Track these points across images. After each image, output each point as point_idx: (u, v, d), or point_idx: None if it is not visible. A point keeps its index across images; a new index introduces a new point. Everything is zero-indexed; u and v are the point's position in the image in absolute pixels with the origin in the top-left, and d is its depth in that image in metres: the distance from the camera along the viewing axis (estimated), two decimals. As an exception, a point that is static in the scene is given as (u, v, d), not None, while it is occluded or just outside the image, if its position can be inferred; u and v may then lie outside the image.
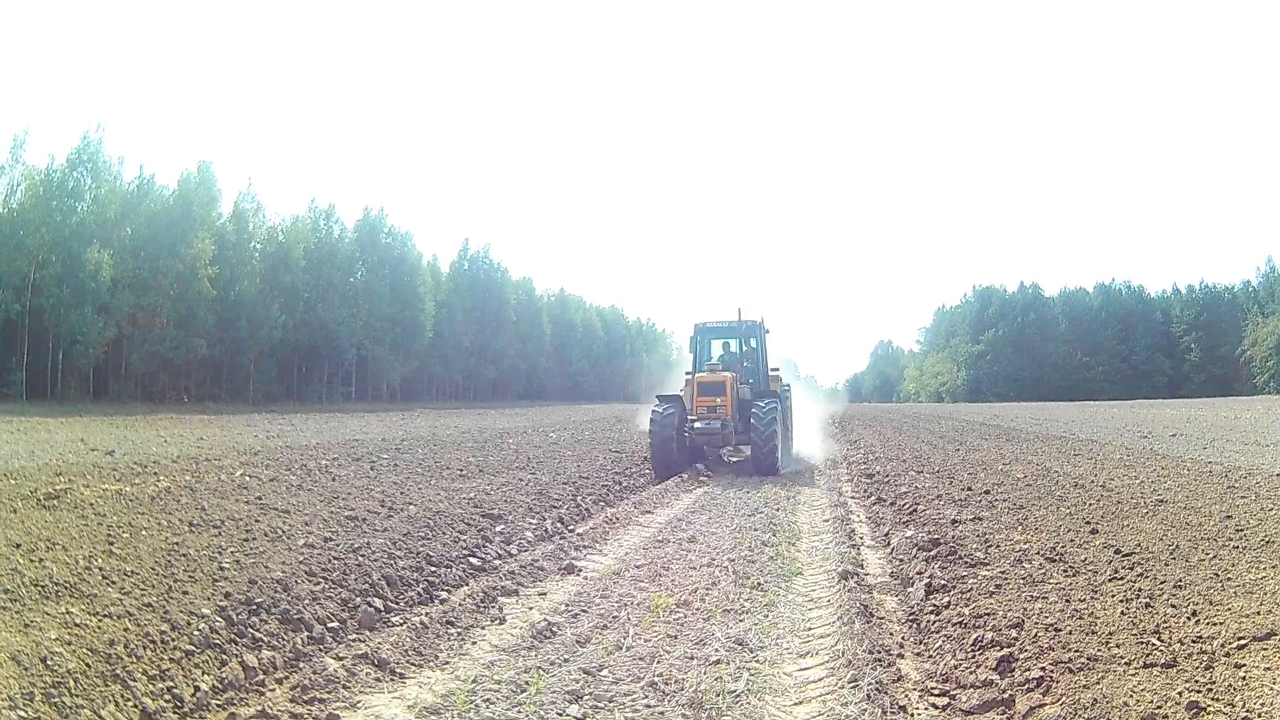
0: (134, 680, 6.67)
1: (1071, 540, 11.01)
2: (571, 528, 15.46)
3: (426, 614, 9.51)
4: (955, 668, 7.18)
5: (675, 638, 8.50)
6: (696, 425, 24.47)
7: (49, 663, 6.36)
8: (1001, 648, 7.10)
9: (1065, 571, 9.32)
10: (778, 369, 28.46)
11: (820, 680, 7.34)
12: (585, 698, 6.92)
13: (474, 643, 8.80)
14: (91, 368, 66.88)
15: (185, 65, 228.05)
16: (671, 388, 29.92)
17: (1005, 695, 6.42)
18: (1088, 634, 7.00)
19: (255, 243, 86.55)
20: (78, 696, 6.22)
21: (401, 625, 9.15)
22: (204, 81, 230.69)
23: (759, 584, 10.79)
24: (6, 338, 61.63)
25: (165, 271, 70.81)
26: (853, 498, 19.21)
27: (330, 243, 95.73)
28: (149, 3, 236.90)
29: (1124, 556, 9.77)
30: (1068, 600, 8.05)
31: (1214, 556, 9.60)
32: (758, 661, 7.80)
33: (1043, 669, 6.46)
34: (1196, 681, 5.88)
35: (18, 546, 9.68)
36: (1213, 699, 5.60)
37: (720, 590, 10.37)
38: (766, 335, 27.88)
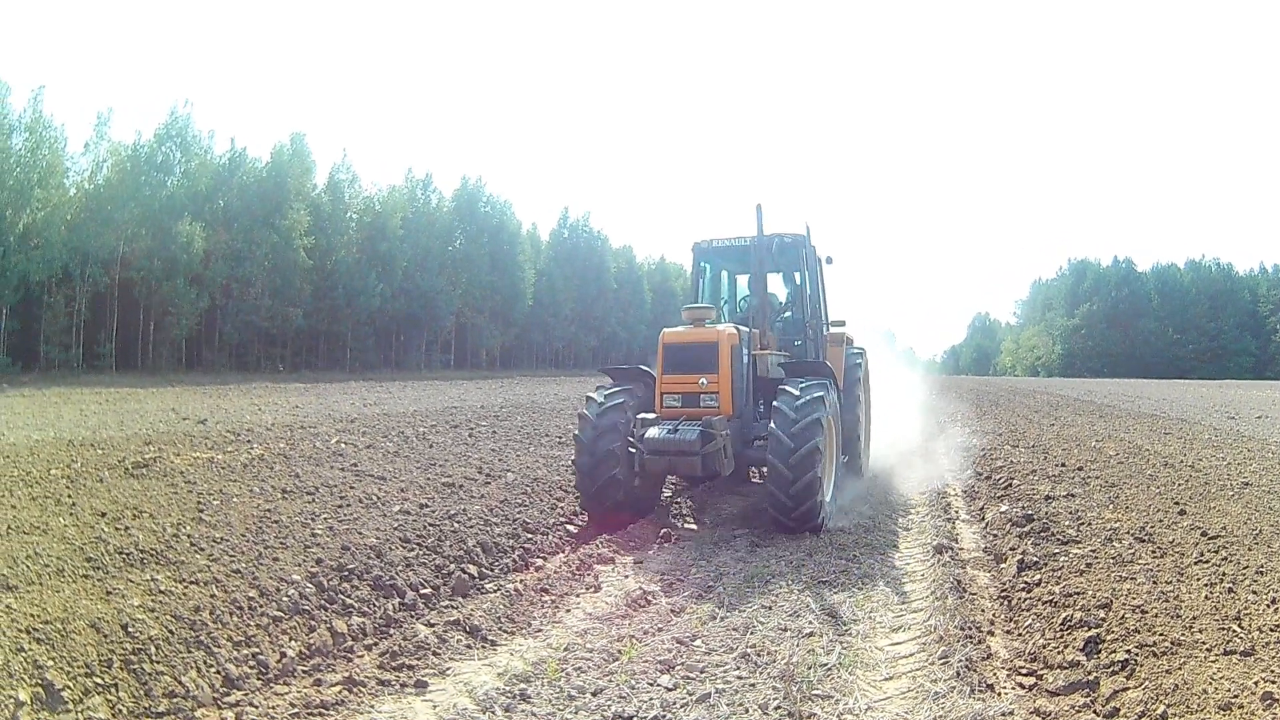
0: (218, 646, 6.72)
1: (1160, 520, 11.01)
2: (670, 495, 15.47)
3: (521, 581, 9.58)
4: (1044, 647, 7.25)
5: (770, 609, 8.62)
6: (649, 434, 12.30)
7: (130, 629, 6.41)
8: (1089, 628, 7.15)
9: (1153, 552, 9.33)
10: (843, 324, 16.66)
11: (911, 656, 7.41)
12: (677, 668, 6.97)
13: (568, 610, 8.85)
14: (184, 338, 67.96)
15: (274, 40, 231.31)
16: None
17: (1091, 677, 6.47)
18: (1172, 617, 6.99)
19: (351, 213, 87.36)
20: (159, 663, 6.26)
21: (495, 592, 9.18)
22: (295, 56, 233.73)
23: (854, 556, 10.98)
24: (96, 310, 62.85)
25: (260, 242, 71.73)
26: (949, 470, 18.98)
27: (428, 212, 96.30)
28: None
29: (1210, 539, 9.75)
30: (1155, 582, 8.05)
31: (1295, 543, 9.50)
32: (850, 635, 7.88)
33: (1128, 652, 6.49)
34: (1273, 671, 5.80)
35: (103, 515, 9.82)
36: (1287, 690, 5.51)
37: (816, 561, 10.55)
38: (823, 265, 16.26)
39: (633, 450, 12.47)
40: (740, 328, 13.51)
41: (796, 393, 12.17)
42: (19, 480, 12.15)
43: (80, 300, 60.97)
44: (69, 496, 10.93)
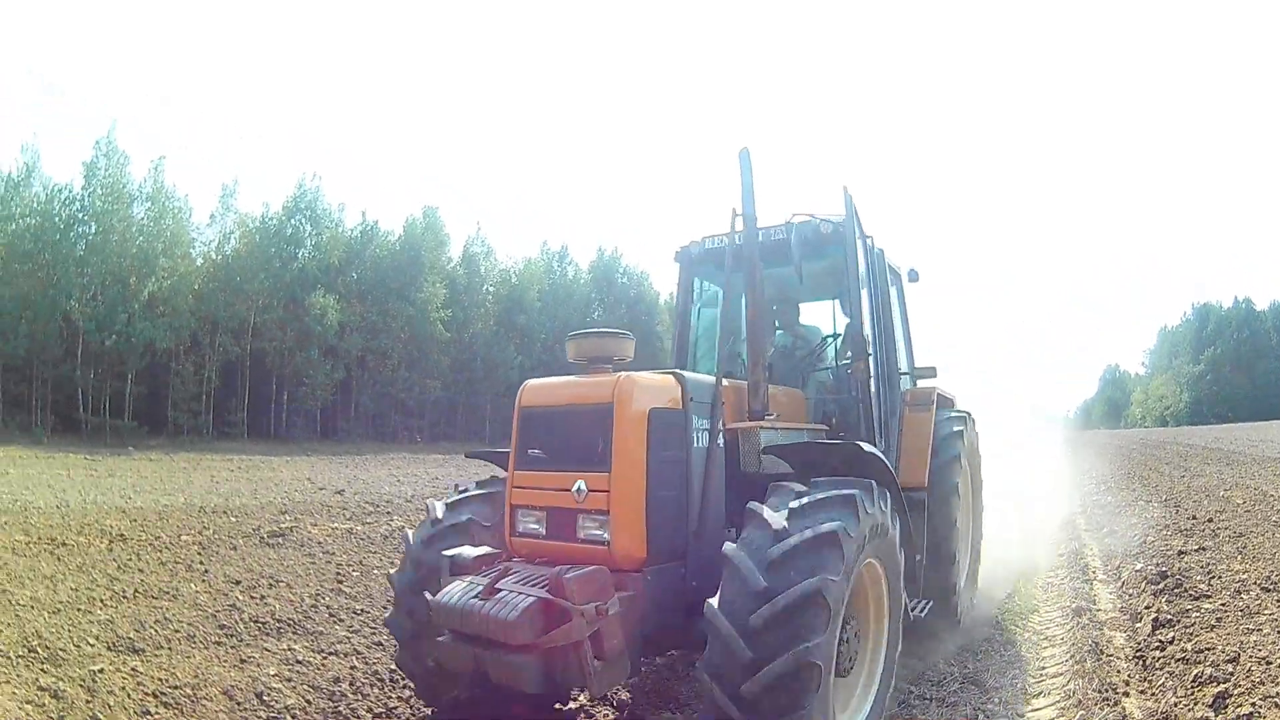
0: (357, 718, 6.68)
1: (1285, 568, 11.10)
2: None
3: (670, 653, 9.06)
4: (1175, 705, 7.20)
5: (916, 680, 8.51)
6: (441, 596, 5.80)
7: (265, 698, 6.48)
8: (1218, 683, 7.11)
9: (1279, 601, 9.36)
10: (933, 372, 10.53)
11: (1051, 721, 7.59)
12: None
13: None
14: (319, 408, 69.33)
15: (401, 117, 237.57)
16: None
17: (1218, 733, 6.62)
18: (1294, 667, 7.16)
19: (488, 285, 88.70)
20: (294, 731, 6.20)
21: (644, 665, 8.75)
22: (426, 133, 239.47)
23: (996, 620, 11.01)
24: (226, 378, 64.76)
25: (395, 315, 72.99)
26: (1085, 530, 18.63)
27: (565, 284, 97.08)
28: (354, 59, 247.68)
29: (1332, 585, 9.97)
30: (1280, 632, 8.21)
31: None
32: (992, 703, 7.90)
33: (1253, 704, 6.47)
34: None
35: (237, 583, 9.93)
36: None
37: (960, 628, 10.30)
38: (903, 280, 11.09)
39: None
40: (690, 377, 6.87)
41: (777, 520, 5.73)
42: (147, 544, 12.31)
43: (210, 368, 63.01)
44: (200, 563, 11.07)
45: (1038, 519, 18.68)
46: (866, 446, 6.85)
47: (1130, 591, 11.54)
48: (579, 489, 6.15)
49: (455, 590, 5.76)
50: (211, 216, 68.39)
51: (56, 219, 57.08)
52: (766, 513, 5.74)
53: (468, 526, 6.99)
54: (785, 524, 5.59)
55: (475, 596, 5.58)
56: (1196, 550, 12.87)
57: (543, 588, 5.48)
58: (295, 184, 76.42)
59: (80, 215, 57.98)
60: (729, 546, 5.63)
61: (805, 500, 5.83)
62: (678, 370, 6.88)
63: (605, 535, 6.04)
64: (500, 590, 5.57)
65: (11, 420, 52.29)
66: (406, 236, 78.59)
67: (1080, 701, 7.48)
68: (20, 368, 54.47)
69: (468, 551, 6.30)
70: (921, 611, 8.45)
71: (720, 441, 6.84)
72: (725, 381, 7.12)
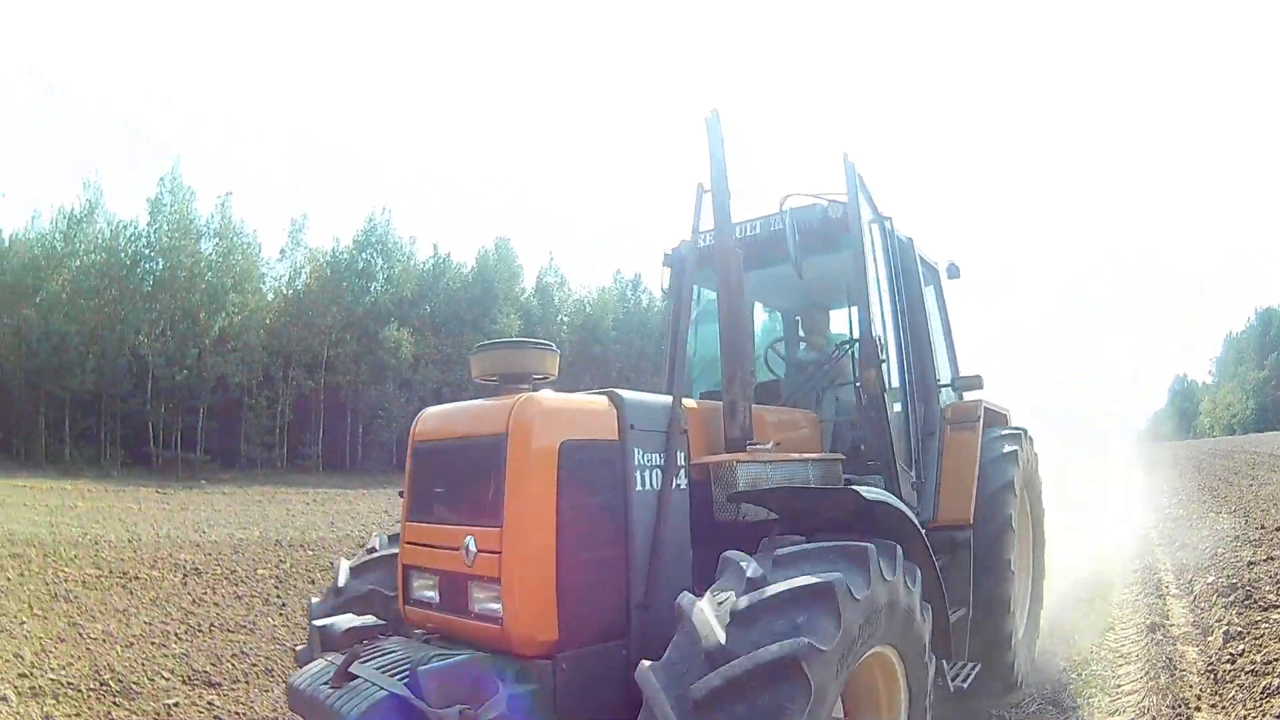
0: None
1: (1351, 574, 11.23)
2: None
3: None
4: (1245, 718, 7.26)
5: (992, 703, 8.42)
6: (297, 680, 4.48)
7: None
8: None
9: None
10: (979, 384, 8.63)
11: (1126, 738, 7.72)
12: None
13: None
14: (395, 440, 69.68)
15: (473, 148, 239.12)
16: None
17: (1284, 744, 6.66)
18: (1357, 673, 7.30)
19: (562, 316, 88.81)
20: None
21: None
22: (493, 168, 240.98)
23: (1070, 640, 10.94)
24: (300, 412, 65.69)
25: (470, 347, 72.94)
26: (1158, 544, 18.58)
27: (639, 312, 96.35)
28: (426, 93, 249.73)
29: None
30: (1343, 639, 8.39)
31: None
32: None
33: None
34: None
35: None
36: None
37: (1036, 647, 10.25)
38: (941, 275, 9.31)
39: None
40: (631, 397, 5.41)
41: (717, 620, 4.03)
42: (222, 578, 12.21)
43: (284, 401, 63.94)
44: (278, 596, 11.02)
45: (1112, 536, 18.86)
46: (870, 494, 5.08)
47: (1202, 605, 11.69)
48: (467, 547, 4.75)
49: (309, 673, 4.56)
50: (281, 251, 70.16)
51: (122, 255, 58.75)
52: (708, 608, 4.11)
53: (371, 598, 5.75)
54: (709, 696, 3.74)
55: (325, 682, 4.37)
56: (1265, 560, 13.13)
57: (404, 678, 4.21)
58: (365, 218, 77.15)
59: (147, 251, 59.59)
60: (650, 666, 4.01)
61: (759, 596, 4.08)
62: (613, 389, 5.46)
63: (497, 612, 4.62)
64: (355, 678, 4.32)
65: (80, 454, 53.27)
66: (479, 268, 79.29)
67: (1154, 719, 7.62)
68: (89, 401, 55.86)
69: (340, 622, 4.99)
70: (965, 680, 6.92)
71: (683, 481, 5.43)
72: (692, 403, 5.91)
